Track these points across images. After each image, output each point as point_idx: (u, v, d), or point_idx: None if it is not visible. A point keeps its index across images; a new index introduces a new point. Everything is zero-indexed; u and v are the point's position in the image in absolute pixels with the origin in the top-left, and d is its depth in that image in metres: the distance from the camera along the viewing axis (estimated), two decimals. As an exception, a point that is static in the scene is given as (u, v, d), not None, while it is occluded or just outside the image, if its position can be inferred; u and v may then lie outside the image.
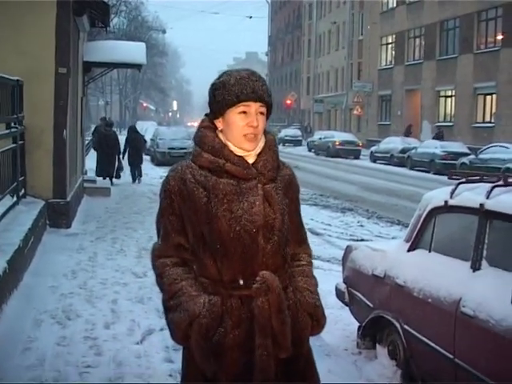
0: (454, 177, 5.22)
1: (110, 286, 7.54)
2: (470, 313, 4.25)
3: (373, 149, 38.09)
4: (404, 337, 5.10)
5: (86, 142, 28.01)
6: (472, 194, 4.66)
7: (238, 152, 2.63)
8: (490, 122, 35.04)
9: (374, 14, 50.24)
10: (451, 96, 39.51)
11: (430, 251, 5.08)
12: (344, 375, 5.23)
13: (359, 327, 5.95)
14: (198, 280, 2.61)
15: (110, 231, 11.24)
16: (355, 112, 53.09)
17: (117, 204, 15.03)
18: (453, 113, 39.16)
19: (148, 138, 32.64)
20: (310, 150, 46.73)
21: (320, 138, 44.32)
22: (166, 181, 2.66)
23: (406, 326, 5.08)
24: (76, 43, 12.73)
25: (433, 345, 4.69)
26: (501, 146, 25.85)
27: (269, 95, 2.67)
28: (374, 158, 37.04)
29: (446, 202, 4.90)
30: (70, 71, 11.07)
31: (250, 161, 2.65)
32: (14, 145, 9.39)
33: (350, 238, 11.57)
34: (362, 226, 13.65)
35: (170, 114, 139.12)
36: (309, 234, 8.68)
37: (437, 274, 4.78)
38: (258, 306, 2.55)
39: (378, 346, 5.65)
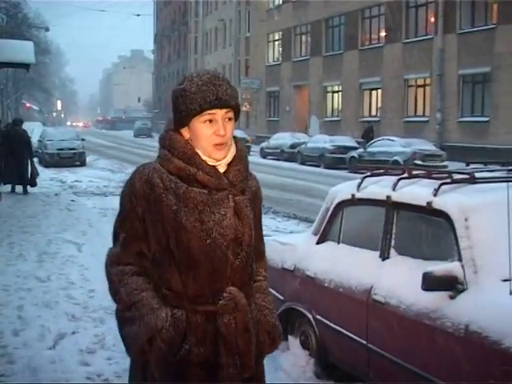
0: (358, 171, 5.42)
1: (13, 292, 7.36)
2: (382, 300, 4.46)
3: (263, 145, 38.55)
4: (316, 326, 5.28)
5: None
6: (378, 187, 4.88)
7: (210, 161, 2.49)
8: (376, 116, 36.25)
9: (260, 11, 50.81)
10: (338, 91, 40.57)
11: (338, 243, 5.28)
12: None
13: (271, 320, 6.08)
14: (159, 292, 2.47)
15: (7, 236, 10.92)
16: (243, 108, 53.48)
17: (9, 208, 14.59)
18: (340, 108, 40.23)
19: (35, 139, 31.78)
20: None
21: (210, 136, 44.32)
22: (130, 182, 2.49)
23: (318, 316, 5.25)
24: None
25: (346, 332, 4.88)
26: (388, 140, 26.78)
27: (235, 98, 2.51)
28: (264, 154, 37.46)
29: (352, 195, 5.10)
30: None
31: (221, 170, 2.52)
32: None
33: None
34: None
35: (55, 114, 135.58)
36: None
37: (347, 265, 4.97)
38: (224, 324, 2.45)
39: (289, 337, 5.80)
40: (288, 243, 6.01)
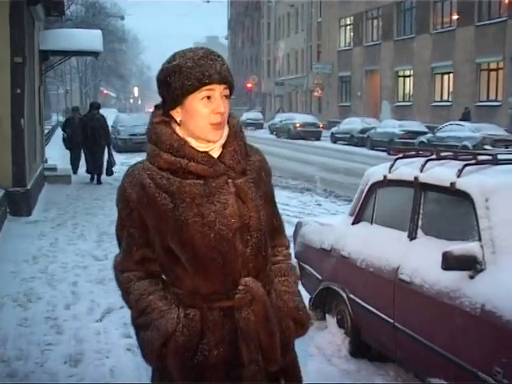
0: (392, 153, 5.50)
1: (70, 269, 7.74)
2: (407, 279, 4.55)
3: (333, 130, 38.44)
4: (350, 306, 5.40)
5: (46, 130, 27.97)
6: (408, 168, 4.95)
7: (201, 147, 2.31)
8: (448, 101, 35.69)
9: (331, -5, 50.52)
10: (409, 76, 40.13)
11: (371, 223, 5.38)
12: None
13: (310, 299, 6.24)
14: (170, 291, 2.34)
15: (71, 217, 11.40)
16: (316, 94, 53.47)
17: (78, 191, 15.14)
18: (411, 92, 39.77)
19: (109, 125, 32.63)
20: (271, 133, 46.94)
21: (281, 121, 44.56)
22: (121, 188, 2.32)
23: (351, 296, 5.37)
24: (31, 32, 12.78)
25: (375, 311, 4.99)
26: (457, 124, 26.38)
27: (231, 75, 2.35)
28: (334, 139, 37.37)
29: (384, 176, 5.19)
30: (26, 60, 11.14)
31: (216, 155, 2.33)
32: (-30, 135, 9.49)
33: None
34: (319, 204, 13.97)
35: (132, 100, 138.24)
36: None
37: (378, 245, 5.07)
38: (242, 319, 2.29)
39: (327, 316, 5.94)
40: (326, 224, 6.14)
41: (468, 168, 4.33)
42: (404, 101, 40.50)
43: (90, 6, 57.86)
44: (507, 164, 4.32)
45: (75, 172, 17.74)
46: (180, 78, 2.25)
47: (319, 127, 41.57)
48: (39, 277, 7.38)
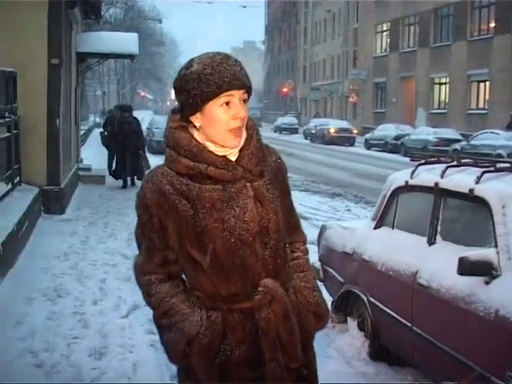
0: (414, 159, 5.57)
1: (99, 266, 7.93)
2: (425, 283, 4.61)
3: (367, 136, 38.42)
4: (370, 309, 5.47)
5: (83, 131, 28.38)
6: (429, 174, 5.02)
7: (220, 151, 2.32)
8: (484, 109, 35.38)
9: (368, 1, 50.40)
10: (445, 83, 39.84)
11: (393, 228, 5.46)
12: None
13: (332, 302, 6.32)
14: (192, 294, 2.39)
15: (103, 217, 11.61)
16: (351, 99, 53.41)
17: (110, 191, 15.37)
18: (447, 100, 39.48)
19: (144, 127, 33.00)
20: (306, 138, 47.03)
21: (315, 126, 44.63)
22: (141, 194, 2.33)
23: (371, 299, 5.45)
24: (69, 35, 13.06)
25: (394, 315, 5.06)
26: (491, 133, 26.21)
27: (249, 79, 2.34)
28: (368, 145, 37.35)
29: (406, 182, 5.27)
30: (63, 62, 11.40)
31: (233, 158, 2.34)
32: (8, 134, 9.75)
33: (335, 222, 11.93)
34: (349, 210, 14.02)
35: (168, 103, 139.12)
36: None
37: (398, 249, 5.14)
38: (263, 318, 2.32)
39: (348, 319, 6.02)
40: (349, 228, 6.22)
41: (487, 175, 4.39)
42: (439, 108, 40.24)
43: (128, 9, 58.52)
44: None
45: (110, 173, 16.93)
46: (199, 85, 2.24)
47: (353, 133, 41.57)
48: (69, 273, 7.57)
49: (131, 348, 5.25)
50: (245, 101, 2.33)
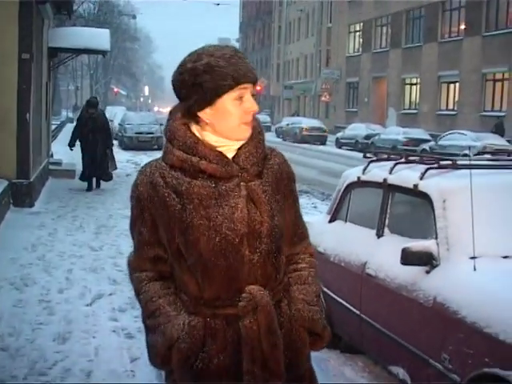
0: (367, 156, 5.85)
1: (66, 258, 8.12)
2: (372, 273, 4.90)
3: (338, 135, 38.84)
4: (324, 299, 5.74)
5: (54, 126, 28.40)
6: (379, 171, 5.31)
7: (219, 147, 2.24)
8: (453, 110, 36.02)
9: (342, 2, 50.89)
10: (416, 84, 40.44)
11: (345, 222, 5.73)
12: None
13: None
14: (179, 296, 2.29)
15: (72, 210, 11.79)
16: (323, 98, 53.85)
17: (80, 184, 15.47)
18: (417, 100, 40.07)
19: (116, 123, 33.11)
20: (278, 136, 47.33)
21: (288, 124, 44.99)
22: (134, 186, 2.27)
23: (325, 289, 5.71)
24: (40, 30, 13.18)
25: (345, 304, 5.34)
26: (459, 133, 26.71)
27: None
28: (339, 144, 37.73)
29: (358, 177, 5.55)
30: (33, 57, 11.54)
31: (230, 155, 2.25)
32: (-23, 127, 9.90)
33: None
34: (315, 207, 14.34)
35: (142, 99, 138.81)
36: None
37: (349, 242, 5.42)
38: (244, 327, 2.20)
39: (305, 309, 6.28)
40: (306, 222, 6.49)
41: (430, 171, 4.67)
42: (410, 108, 40.84)
43: (102, 4, 58.38)
44: (466, 169, 4.66)
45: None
46: (213, 78, 2.16)
47: (325, 132, 41.96)
48: (36, 263, 7.76)
49: (94, 333, 5.47)
50: (253, 95, 2.28)
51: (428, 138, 30.02)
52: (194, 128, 2.25)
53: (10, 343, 5.19)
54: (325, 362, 5.48)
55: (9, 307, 6.08)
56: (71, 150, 15.24)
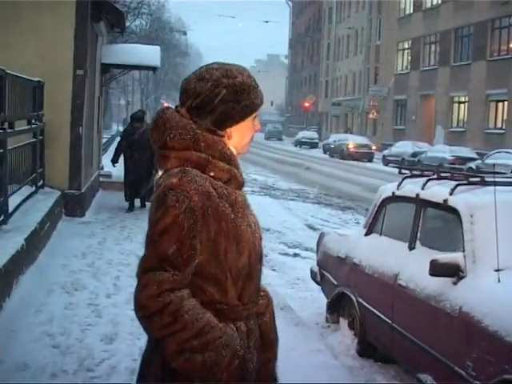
0: (402, 172, 6.08)
1: (114, 265, 8.48)
2: (404, 284, 5.13)
3: (385, 152, 38.88)
4: (359, 309, 5.98)
5: (105, 139, 29.10)
6: (412, 186, 5.54)
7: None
8: (502, 129, 35.70)
9: (391, 19, 51.00)
10: (464, 102, 40.23)
11: (381, 235, 5.98)
12: (305, 340, 6.10)
13: (327, 303, 6.83)
14: (211, 307, 2.23)
15: (120, 221, 12.18)
16: (371, 116, 53.86)
17: (129, 197, 15.96)
18: (465, 119, 39.84)
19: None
20: (325, 153, 47.51)
21: (335, 141, 45.14)
22: (185, 195, 2.14)
23: (360, 299, 5.96)
24: (94, 46, 13.72)
25: (378, 313, 5.57)
26: (506, 152, 26.57)
27: None
28: (386, 162, 37.77)
29: (393, 193, 5.80)
30: (87, 73, 12.04)
31: None
32: (34, 139, 10.40)
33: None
34: (358, 223, 14.46)
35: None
36: (307, 229, 9.97)
37: (383, 254, 5.67)
38: (264, 323, 2.46)
39: (341, 319, 6.53)
40: (343, 234, 6.76)
41: (460, 187, 4.90)
42: (458, 126, 40.61)
43: (154, 21, 59.47)
44: (494, 185, 4.86)
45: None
46: (249, 97, 2.28)
47: (372, 149, 42.01)
48: (86, 270, 8.14)
49: (139, 336, 5.76)
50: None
51: (475, 156, 29.92)
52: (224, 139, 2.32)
53: (60, 342, 5.53)
54: (358, 370, 5.71)
55: (60, 309, 6.44)
56: (114, 166, 14.48)
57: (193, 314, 2.13)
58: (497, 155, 26.71)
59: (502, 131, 35.20)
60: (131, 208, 13.37)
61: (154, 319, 2.14)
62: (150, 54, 16.71)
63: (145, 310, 2.17)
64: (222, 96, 2.24)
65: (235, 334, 2.22)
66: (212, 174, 2.23)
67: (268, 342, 2.47)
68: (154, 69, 17.79)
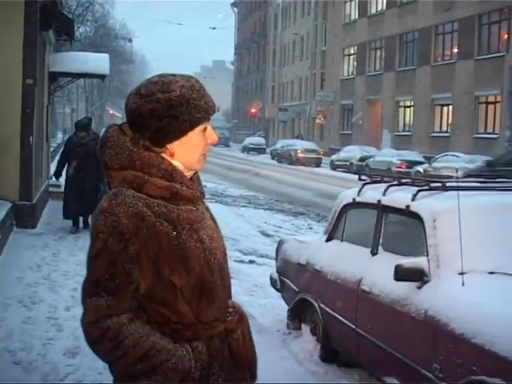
0: (361, 178, 6.15)
1: (71, 277, 8.35)
2: (367, 289, 5.18)
3: (333, 157, 39.27)
4: (321, 314, 6.02)
5: (52, 148, 28.67)
6: (373, 192, 5.61)
7: (187, 172, 2.26)
8: (446, 132, 36.46)
9: (336, 25, 51.62)
10: (410, 106, 40.95)
11: (342, 241, 6.03)
12: (269, 347, 6.10)
13: (288, 310, 6.85)
14: (166, 327, 2.18)
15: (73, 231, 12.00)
16: (318, 121, 54.36)
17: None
18: (411, 123, 40.54)
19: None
20: (273, 158, 47.74)
21: (282, 147, 45.38)
22: (113, 219, 2.08)
23: (322, 305, 5.99)
24: (42, 55, 13.52)
25: (341, 319, 5.62)
26: (452, 155, 27.11)
27: None
28: (334, 166, 38.12)
29: (353, 199, 5.86)
30: (37, 82, 11.85)
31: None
32: (-17, 150, 10.19)
33: (297, 239, 12.50)
34: (311, 228, 14.60)
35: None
36: (260, 236, 9.99)
37: (345, 260, 5.72)
38: (234, 340, 2.32)
39: (303, 325, 6.56)
40: (303, 241, 6.79)
41: (421, 193, 4.98)
42: (404, 130, 41.30)
43: (98, 28, 58.91)
44: (455, 190, 4.95)
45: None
46: (188, 110, 2.16)
47: (320, 154, 42.35)
48: (42, 282, 8.00)
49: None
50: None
51: (422, 160, 30.44)
52: (163, 154, 2.22)
53: (22, 357, 5.43)
54: (323, 376, 5.74)
55: (19, 323, 6.32)
56: (57, 180, 13.29)
57: (134, 338, 2.08)
58: (444, 158, 27.20)
59: (447, 134, 35.96)
60: (76, 227, 11.97)
61: (96, 345, 2.13)
62: (98, 61, 16.54)
63: (87, 336, 2.15)
64: (156, 112, 2.14)
65: (188, 355, 2.15)
66: (150, 192, 2.15)
67: (241, 361, 2.34)
68: (102, 77, 17.63)
